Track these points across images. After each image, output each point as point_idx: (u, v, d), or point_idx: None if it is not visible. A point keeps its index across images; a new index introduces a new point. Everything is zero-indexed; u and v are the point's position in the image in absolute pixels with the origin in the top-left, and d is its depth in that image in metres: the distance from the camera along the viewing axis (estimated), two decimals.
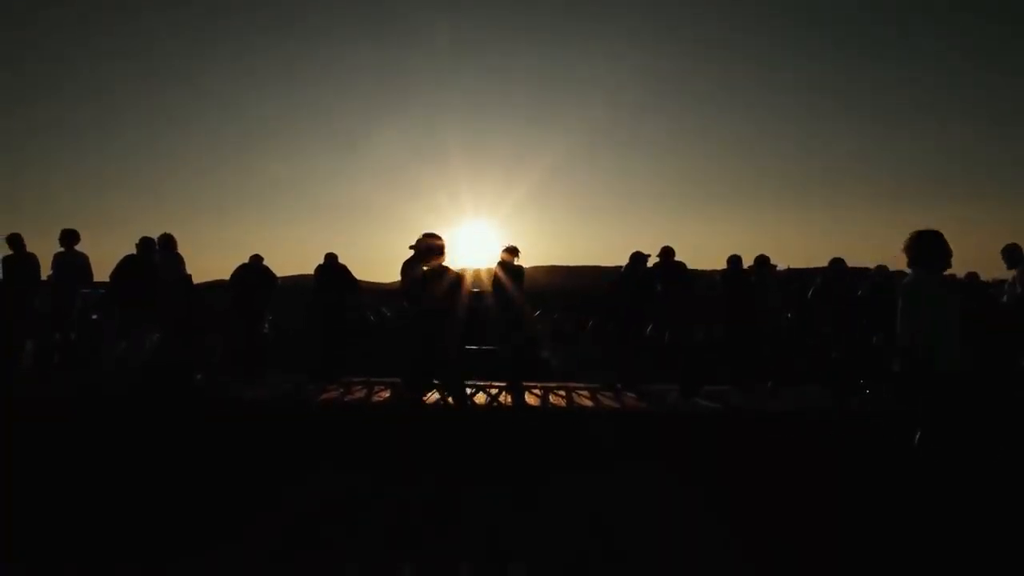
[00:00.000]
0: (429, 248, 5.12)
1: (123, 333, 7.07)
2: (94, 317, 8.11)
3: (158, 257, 7.52)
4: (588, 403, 6.61)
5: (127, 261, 7.17)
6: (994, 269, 7.70)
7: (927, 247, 4.02)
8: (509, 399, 6.67)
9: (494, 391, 7.03)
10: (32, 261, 7.78)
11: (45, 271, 7.87)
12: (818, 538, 4.02)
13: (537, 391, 7.15)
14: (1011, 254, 7.20)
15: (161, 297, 7.17)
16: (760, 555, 3.72)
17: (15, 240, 7.81)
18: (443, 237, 5.15)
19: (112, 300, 7.31)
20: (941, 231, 4.08)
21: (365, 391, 6.90)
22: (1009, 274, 7.32)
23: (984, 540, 4.01)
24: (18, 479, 4.74)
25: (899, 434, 5.85)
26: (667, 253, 7.90)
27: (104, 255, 7.46)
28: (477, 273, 8.91)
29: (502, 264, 7.45)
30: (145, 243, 7.36)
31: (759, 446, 5.90)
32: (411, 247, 5.25)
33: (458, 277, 5.15)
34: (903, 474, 4.50)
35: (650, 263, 7.84)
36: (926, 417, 4.12)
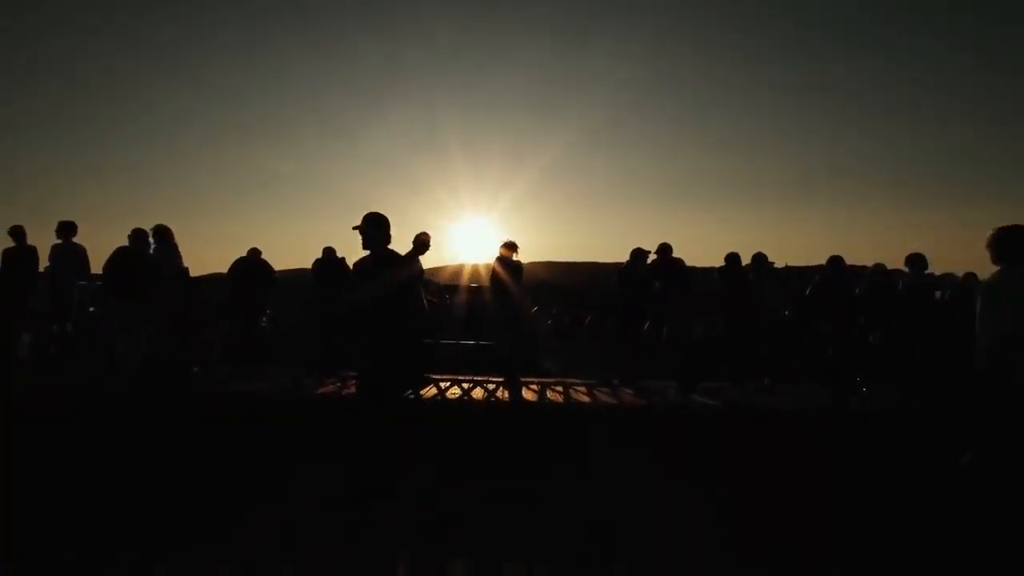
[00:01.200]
0: (376, 227, 4.41)
1: (120, 327, 7.03)
2: (91, 310, 8.08)
3: (155, 249, 7.49)
4: (585, 399, 6.60)
5: (119, 253, 7.14)
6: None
7: (1013, 243, 3.91)
8: (506, 395, 6.67)
9: (491, 386, 7.03)
10: (32, 254, 7.76)
11: (43, 263, 7.85)
12: (817, 536, 4.03)
13: (534, 387, 7.15)
14: None
15: (158, 290, 7.13)
16: (759, 553, 3.73)
17: (17, 232, 7.79)
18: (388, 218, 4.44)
19: (107, 293, 7.28)
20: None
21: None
22: None
23: (984, 540, 4.02)
24: (17, 478, 4.73)
25: (898, 433, 5.88)
26: (665, 250, 7.90)
27: (102, 247, 7.41)
28: (476, 268, 8.92)
29: (501, 259, 7.44)
30: (137, 235, 7.31)
31: (756, 444, 5.91)
32: (355, 228, 4.45)
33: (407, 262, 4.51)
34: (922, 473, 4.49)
35: (648, 260, 7.85)
36: (999, 418, 3.99)
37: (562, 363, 8.19)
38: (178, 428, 5.71)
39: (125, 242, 7.26)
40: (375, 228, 4.41)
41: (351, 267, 4.60)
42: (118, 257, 7.11)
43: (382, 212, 4.47)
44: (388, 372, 4.34)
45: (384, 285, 4.28)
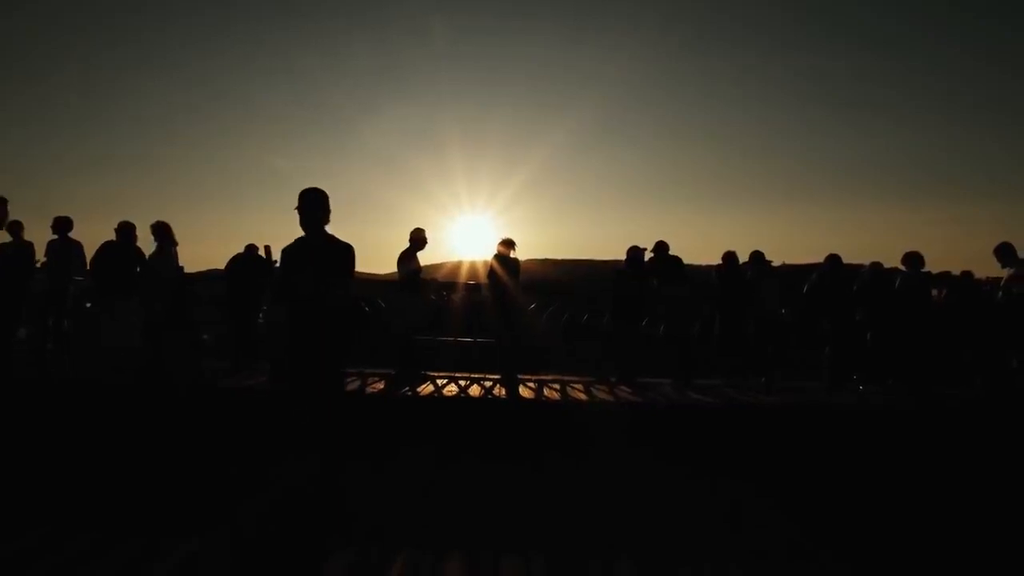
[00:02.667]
0: (313, 205, 3.86)
1: (110, 321, 7.00)
2: (88, 305, 8.07)
3: (155, 247, 7.47)
4: (582, 396, 6.61)
5: (105, 247, 7.11)
6: (988, 268, 7.75)
7: None
8: (503, 392, 6.67)
9: (488, 384, 7.03)
10: (29, 249, 7.74)
11: (40, 259, 7.83)
12: (813, 531, 4.04)
13: (532, 384, 7.15)
14: (1004, 253, 7.26)
15: (147, 284, 7.10)
16: (755, 547, 3.74)
17: (14, 227, 7.77)
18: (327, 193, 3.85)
19: (96, 288, 7.26)
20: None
21: (359, 382, 6.88)
22: (1003, 273, 7.38)
23: (982, 539, 4.05)
24: (10, 474, 4.73)
25: (892, 431, 5.91)
26: (661, 248, 7.89)
27: (98, 243, 7.37)
28: (473, 265, 8.90)
29: (498, 257, 7.43)
30: (124, 228, 7.25)
31: (754, 441, 5.93)
32: (296, 208, 3.89)
33: (348, 249, 3.91)
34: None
35: (645, 258, 7.86)
36: None
37: (559, 360, 8.20)
38: (171, 423, 5.70)
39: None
40: (312, 207, 3.88)
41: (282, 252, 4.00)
42: (104, 252, 7.08)
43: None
44: (311, 368, 3.82)
45: (313, 273, 3.73)
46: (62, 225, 7.81)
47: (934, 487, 5.18)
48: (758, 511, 4.41)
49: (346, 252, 3.89)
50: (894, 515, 4.42)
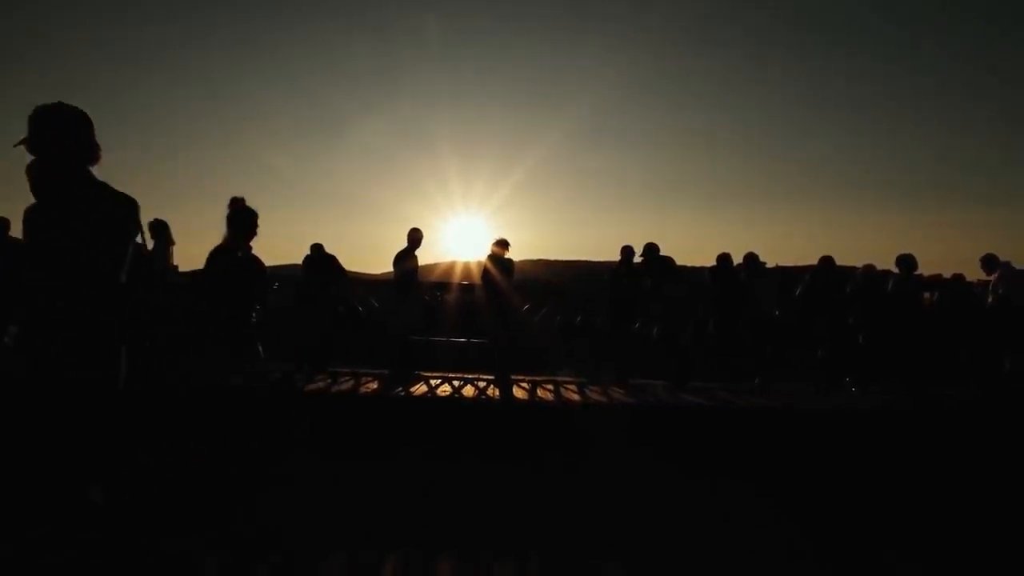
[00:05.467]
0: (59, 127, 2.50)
1: None
2: None
3: (153, 244, 7.43)
4: (575, 397, 6.62)
5: None
6: (980, 271, 7.86)
7: None
8: (496, 392, 6.67)
9: (482, 384, 7.03)
10: (16, 246, 7.69)
11: None
12: (806, 533, 4.07)
13: (525, 384, 7.15)
14: (989, 262, 7.52)
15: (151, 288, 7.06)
16: (755, 549, 3.76)
17: (2, 224, 7.73)
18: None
19: None
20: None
21: (352, 382, 6.87)
22: (991, 278, 7.55)
23: (979, 538, 4.09)
24: (11, 471, 4.70)
25: (885, 431, 5.95)
26: (651, 249, 7.90)
27: None
28: (467, 266, 8.91)
29: (492, 257, 7.44)
30: None
31: (747, 442, 5.96)
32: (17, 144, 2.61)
33: (133, 203, 2.67)
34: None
35: (636, 259, 7.89)
36: None
37: (554, 361, 8.22)
38: (169, 422, 5.67)
39: None
40: (57, 131, 2.49)
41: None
42: None
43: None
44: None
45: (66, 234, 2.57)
46: None
47: (932, 487, 5.22)
48: (757, 511, 4.43)
49: (132, 206, 2.65)
50: (892, 515, 4.46)
